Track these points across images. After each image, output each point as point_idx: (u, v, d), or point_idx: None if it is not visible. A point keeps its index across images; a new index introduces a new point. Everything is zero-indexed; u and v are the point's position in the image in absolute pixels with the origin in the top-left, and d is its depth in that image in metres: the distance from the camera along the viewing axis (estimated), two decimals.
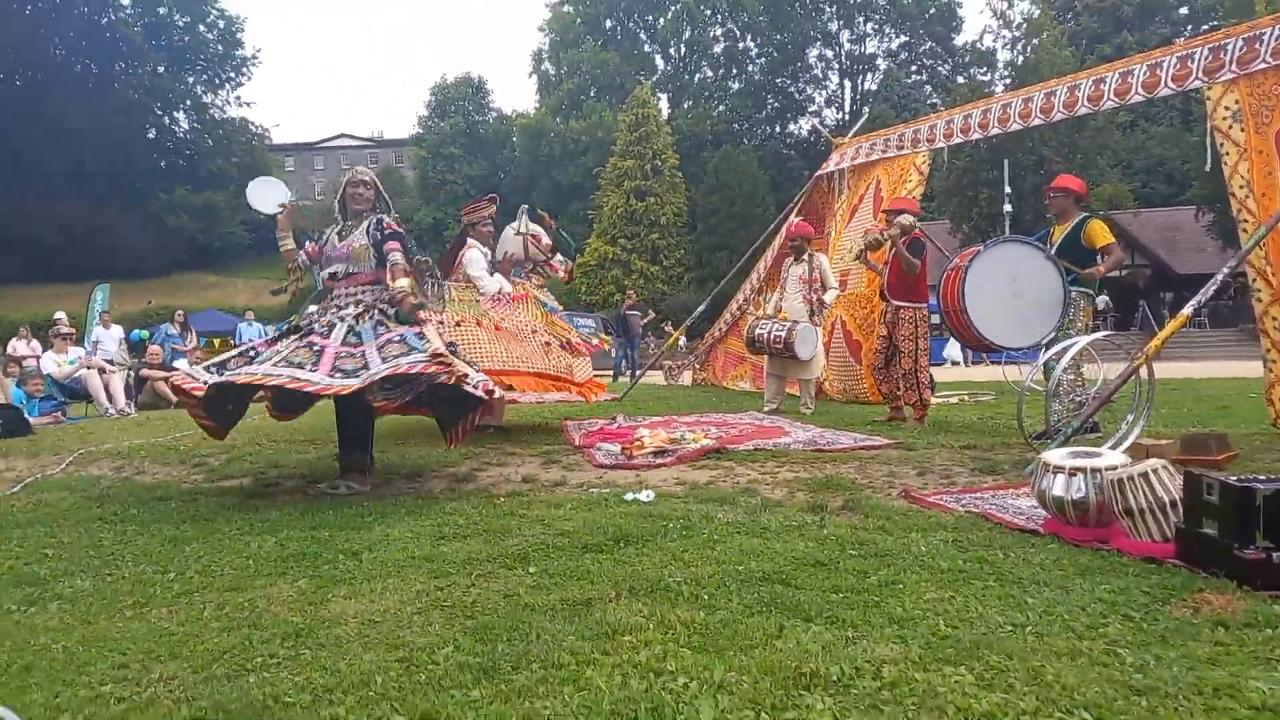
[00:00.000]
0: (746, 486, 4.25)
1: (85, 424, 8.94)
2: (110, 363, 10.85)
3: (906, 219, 6.87)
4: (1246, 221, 5.55)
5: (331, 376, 4.09)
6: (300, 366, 4.16)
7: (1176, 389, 9.72)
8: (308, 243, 4.81)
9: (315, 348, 4.29)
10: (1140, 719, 1.71)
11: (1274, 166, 5.43)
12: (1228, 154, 5.66)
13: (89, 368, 9.97)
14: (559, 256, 6.83)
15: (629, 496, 4.02)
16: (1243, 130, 5.55)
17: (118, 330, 13.62)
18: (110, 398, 9.87)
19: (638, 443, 5.31)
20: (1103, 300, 30.17)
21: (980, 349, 5.77)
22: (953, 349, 21.64)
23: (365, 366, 4.15)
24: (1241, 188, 5.58)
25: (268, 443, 6.26)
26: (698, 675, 1.96)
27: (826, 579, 2.67)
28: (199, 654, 2.19)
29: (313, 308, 4.73)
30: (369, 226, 4.66)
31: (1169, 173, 38.80)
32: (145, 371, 11.01)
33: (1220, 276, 4.76)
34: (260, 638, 2.29)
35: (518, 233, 6.73)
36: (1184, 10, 45.25)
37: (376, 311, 4.54)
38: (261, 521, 3.73)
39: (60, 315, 13.41)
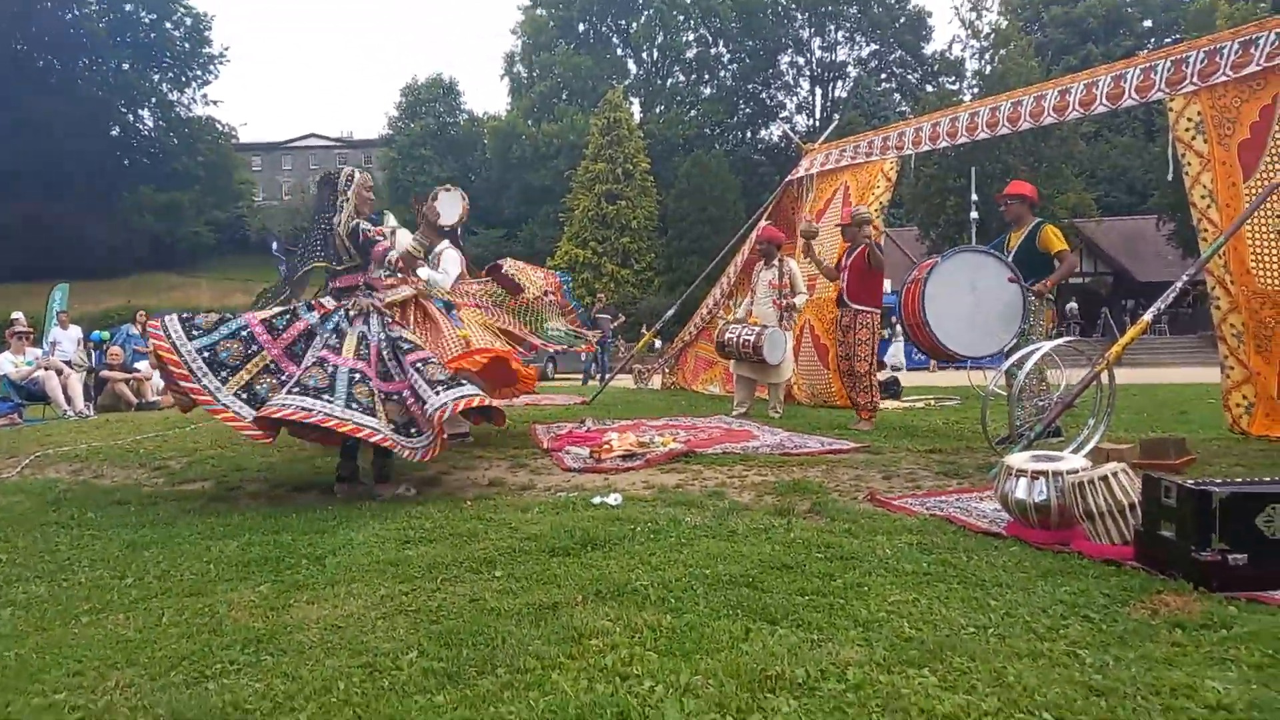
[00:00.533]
0: (714, 490, 4.26)
1: (42, 426, 8.75)
2: (68, 364, 10.61)
3: (865, 210, 6.99)
4: (1206, 231, 5.66)
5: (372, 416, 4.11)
6: (322, 394, 4.07)
7: (1137, 394, 9.89)
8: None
9: (328, 367, 4.20)
10: (1100, 719, 1.73)
11: (1237, 178, 5.54)
12: (1189, 165, 5.77)
13: (46, 369, 9.76)
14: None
15: (596, 500, 4.00)
16: (1205, 141, 5.66)
17: (76, 331, 13.29)
18: (69, 399, 9.68)
19: (606, 446, 5.30)
20: (1071, 307, 30.72)
21: (945, 360, 5.83)
22: (896, 353, 21.75)
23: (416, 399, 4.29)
24: (1203, 198, 5.69)
25: (230, 445, 6.17)
26: (664, 679, 1.96)
27: (793, 582, 2.68)
28: (157, 660, 2.15)
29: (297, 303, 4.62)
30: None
31: (1131, 182, 39.58)
32: (105, 373, 10.81)
33: (1179, 284, 4.86)
34: (220, 644, 2.25)
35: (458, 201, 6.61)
36: (1148, 23, 46.22)
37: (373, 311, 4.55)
38: (223, 525, 3.68)
39: (17, 315, 13.09)
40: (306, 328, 4.41)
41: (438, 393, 4.25)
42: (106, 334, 17.80)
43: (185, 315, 4.32)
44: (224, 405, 4.06)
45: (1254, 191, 5.39)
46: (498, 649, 2.16)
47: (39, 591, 2.77)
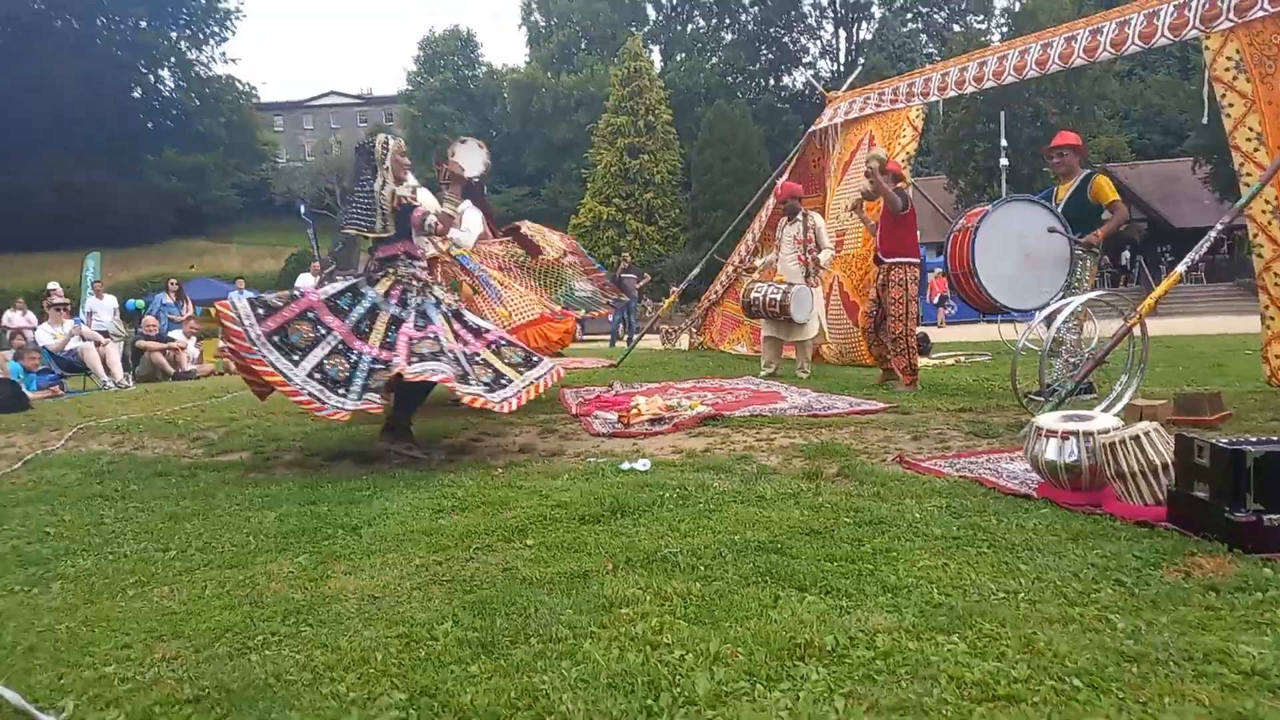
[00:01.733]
0: (742, 454, 4.27)
1: (83, 398, 8.93)
2: (105, 334, 10.79)
3: (880, 151, 6.80)
4: (1251, 176, 5.48)
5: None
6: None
7: (1170, 347, 9.73)
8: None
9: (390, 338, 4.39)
10: (1131, 686, 1.73)
11: None
12: (1232, 105, 5.58)
13: (82, 339, 9.93)
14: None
15: (625, 466, 4.04)
16: (1248, 81, 5.48)
17: (111, 300, 13.50)
18: (108, 370, 9.86)
19: (634, 410, 5.32)
20: (1125, 255, 30.05)
21: (989, 311, 5.69)
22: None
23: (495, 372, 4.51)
24: (1249, 140, 5.50)
25: (265, 415, 6.26)
26: (694, 647, 1.99)
27: (821, 548, 2.70)
28: (201, 633, 2.22)
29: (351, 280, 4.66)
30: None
31: (1166, 123, 38.46)
32: (142, 343, 10.97)
33: (1213, 233, 4.74)
34: (261, 615, 2.31)
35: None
36: None
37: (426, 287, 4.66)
38: (261, 497, 3.76)
39: (54, 286, 13.32)
40: (370, 306, 4.49)
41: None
42: (141, 303, 18.06)
43: (254, 297, 4.40)
44: (298, 387, 4.13)
45: None
46: (530, 618, 2.21)
47: (86, 565, 2.85)
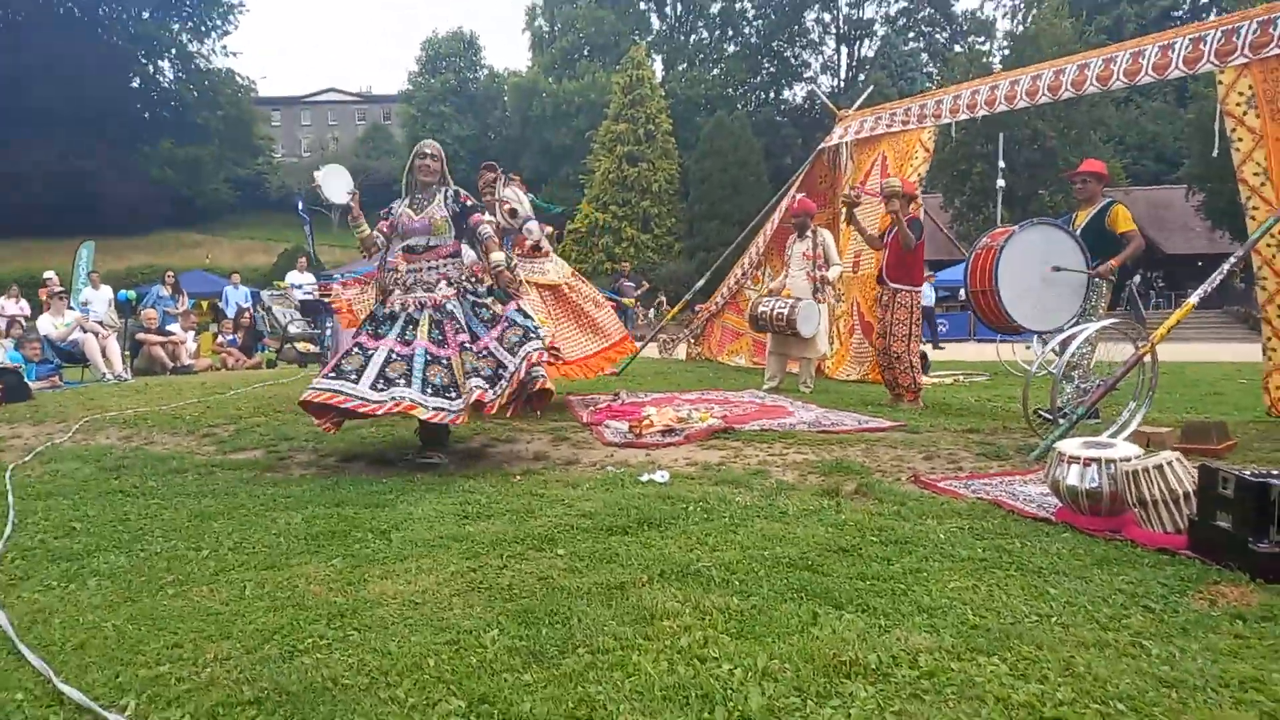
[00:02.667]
0: (757, 468, 4.31)
1: (84, 389, 8.90)
2: (101, 325, 10.75)
3: (895, 181, 6.88)
4: (1258, 209, 5.59)
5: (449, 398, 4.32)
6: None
7: (1166, 373, 9.82)
8: (380, 221, 4.78)
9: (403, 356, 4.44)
10: (1172, 711, 1.78)
11: None
12: (1240, 140, 5.69)
13: (85, 330, 9.89)
14: (527, 225, 6.60)
15: (644, 477, 4.07)
16: (1258, 117, 5.58)
17: (107, 291, 13.43)
18: (107, 362, 9.82)
19: (646, 421, 5.36)
20: (1135, 281, 30.28)
21: (1004, 331, 5.75)
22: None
23: (493, 368, 4.44)
24: (1256, 174, 5.62)
25: (274, 413, 6.27)
26: (741, 662, 2.03)
27: (852, 566, 2.74)
28: (249, 634, 2.24)
29: (398, 293, 4.69)
30: (445, 198, 4.70)
31: (1160, 150, 38.88)
32: (141, 335, 10.94)
33: (1229, 264, 4.83)
34: (306, 618, 2.34)
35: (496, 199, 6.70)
36: None
37: (467, 293, 4.68)
38: (284, 497, 3.77)
39: (51, 274, 13.29)
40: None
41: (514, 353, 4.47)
42: (133, 294, 17.97)
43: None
44: (373, 401, 4.23)
45: None
46: (574, 628, 2.24)
47: (120, 562, 2.87)
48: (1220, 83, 5.79)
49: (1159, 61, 6.11)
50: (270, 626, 2.29)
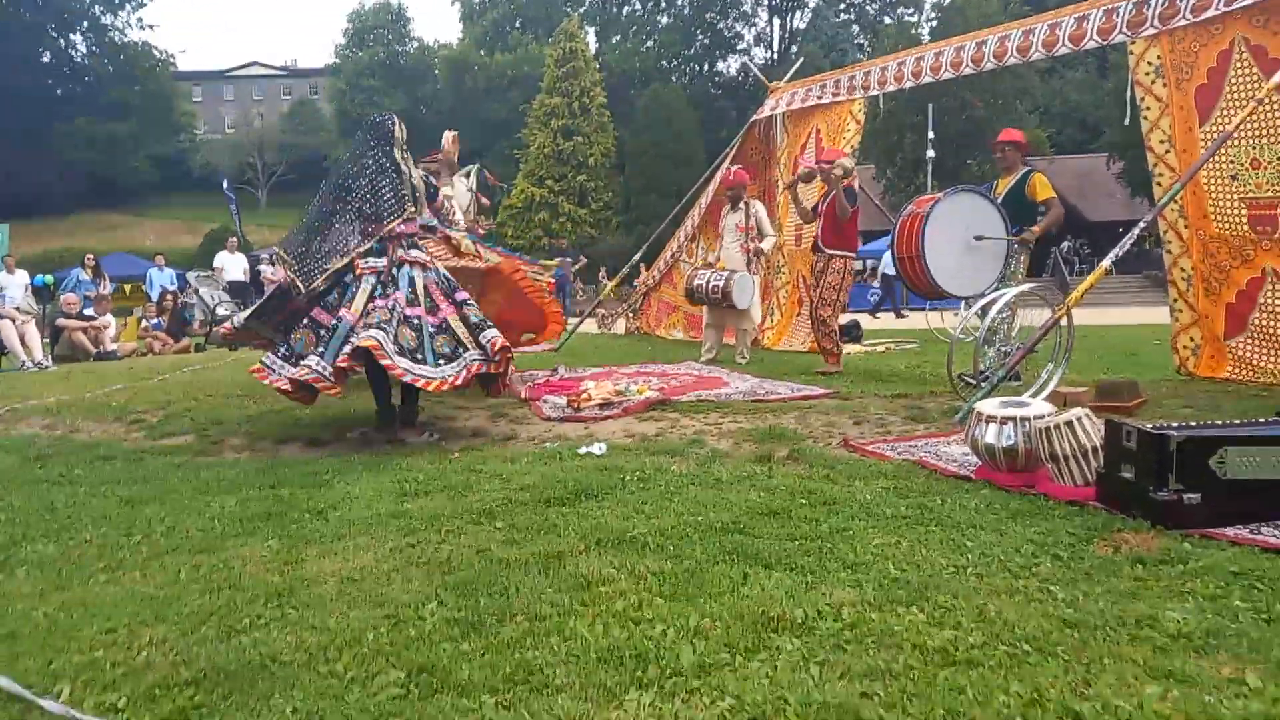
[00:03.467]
0: (694, 438, 4.40)
1: (3, 378, 8.59)
2: (18, 310, 10.34)
3: (847, 162, 7.05)
4: (1163, 176, 5.85)
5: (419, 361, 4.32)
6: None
7: (1086, 335, 10.20)
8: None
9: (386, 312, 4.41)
10: (1074, 649, 1.91)
11: (1193, 122, 5.71)
12: (1149, 109, 5.93)
13: (2, 316, 9.52)
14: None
15: (582, 450, 4.13)
16: (1165, 86, 5.82)
17: (23, 275, 12.92)
18: (27, 350, 9.48)
19: (584, 395, 5.41)
20: (1064, 246, 31.12)
21: (930, 296, 5.93)
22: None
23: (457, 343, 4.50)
24: (1161, 143, 5.86)
25: (204, 397, 6.15)
26: (674, 622, 2.10)
27: (781, 527, 2.84)
28: (185, 617, 2.24)
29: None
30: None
31: (1083, 119, 39.92)
32: (62, 321, 10.56)
33: (1137, 230, 5.04)
34: (243, 598, 2.34)
35: (469, 189, 6.68)
36: None
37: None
38: (217, 481, 3.74)
39: None
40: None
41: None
42: (50, 278, 17.30)
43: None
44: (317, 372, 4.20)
45: (1209, 136, 5.57)
46: (513, 598, 2.29)
47: (49, 551, 2.82)
48: (1131, 53, 6.00)
49: (1075, 32, 6.31)
50: (206, 608, 2.29)
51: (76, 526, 3.11)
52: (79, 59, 49.74)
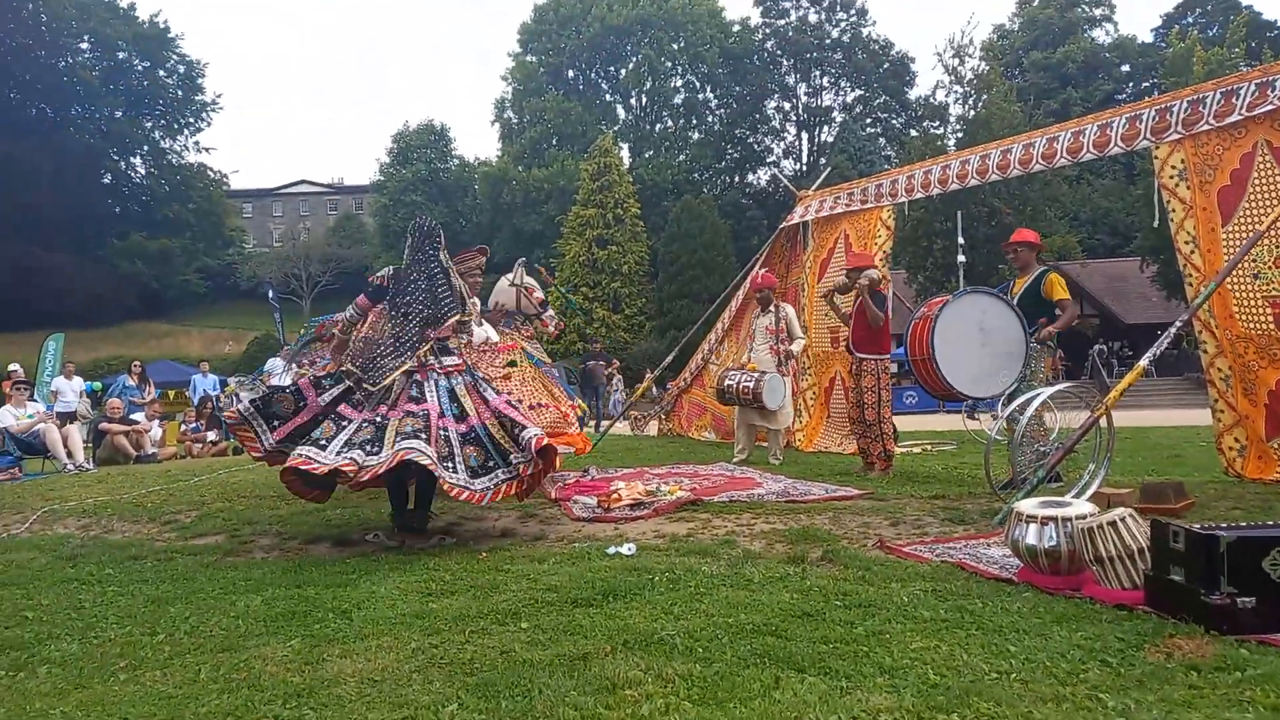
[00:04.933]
0: (725, 538, 4.31)
1: (43, 480, 8.72)
2: (72, 415, 10.59)
3: (874, 273, 7.13)
4: (1191, 276, 5.83)
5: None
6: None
7: (1129, 438, 9.99)
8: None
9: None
10: None
11: (1216, 222, 5.73)
12: (1174, 211, 5.96)
13: (46, 421, 9.74)
14: (549, 312, 6.94)
15: (611, 550, 4.06)
16: (1188, 188, 5.86)
17: (79, 382, 13.33)
18: (69, 453, 9.65)
19: (614, 495, 5.36)
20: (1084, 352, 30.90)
21: (945, 398, 5.87)
22: None
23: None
24: (1187, 243, 5.87)
25: (238, 499, 6.19)
26: None
27: (815, 630, 2.74)
28: (202, 716, 2.20)
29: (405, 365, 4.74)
30: None
31: (1114, 225, 40.17)
32: (105, 425, 10.79)
33: (1173, 330, 4.99)
34: (262, 699, 2.30)
35: (511, 284, 6.82)
36: (1125, 68, 47.36)
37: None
38: (244, 580, 3.72)
39: (15, 367, 13.11)
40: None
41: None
42: (99, 384, 17.80)
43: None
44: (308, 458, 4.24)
45: (1233, 236, 5.57)
46: (535, 699, 2.22)
47: (72, 649, 2.80)
48: (1156, 158, 6.08)
49: (1098, 139, 6.41)
50: (224, 708, 2.24)
51: (101, 625, 3.10)
52: (138, 180, 52.53)
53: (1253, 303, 5.60)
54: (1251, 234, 5.35)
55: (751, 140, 51.45)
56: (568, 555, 4.03)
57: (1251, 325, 5.61)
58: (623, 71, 51.69)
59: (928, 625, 2.76)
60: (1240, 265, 5.54)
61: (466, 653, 2.63)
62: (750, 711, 2.10)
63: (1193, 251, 5.88)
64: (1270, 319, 5.51)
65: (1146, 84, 42.84)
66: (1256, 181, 5.51)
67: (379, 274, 4.96)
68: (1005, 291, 6.13)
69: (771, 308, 8.10)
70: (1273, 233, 5.33)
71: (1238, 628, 2.54)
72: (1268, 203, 5.37)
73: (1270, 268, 5.42)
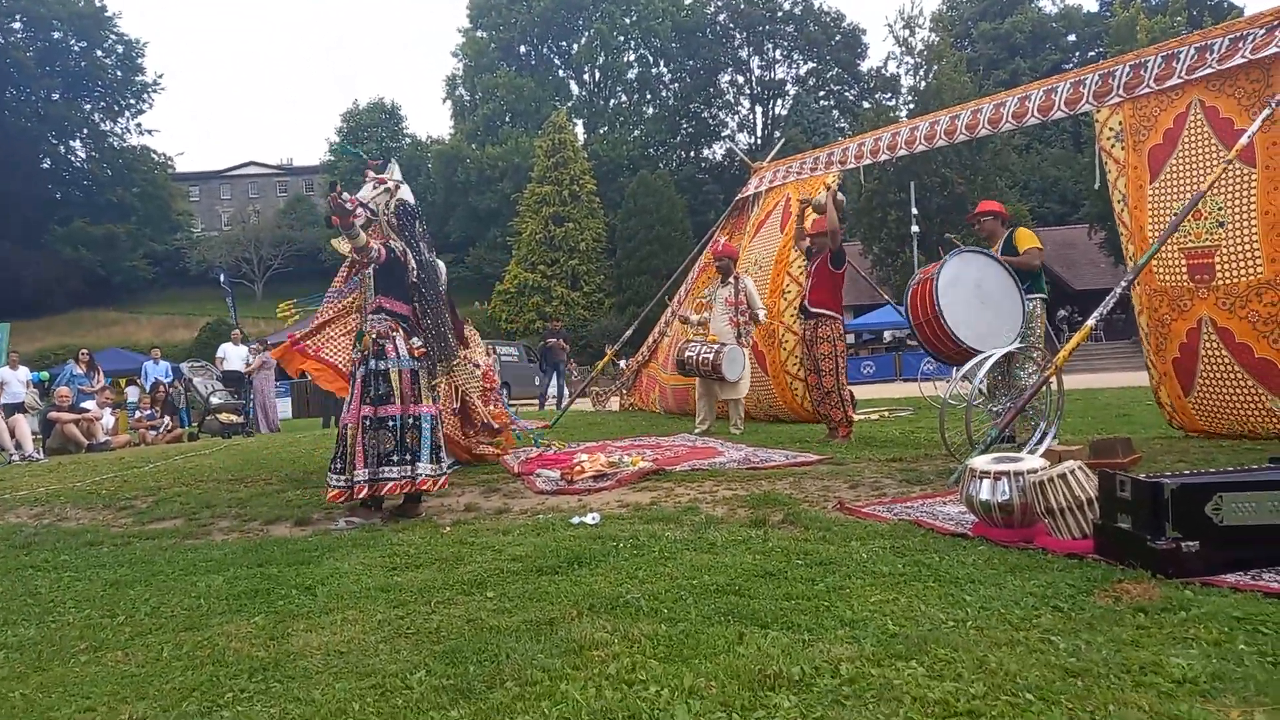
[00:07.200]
0: (688, 505, 4.36)
1: None
2: (20, 405, 10.32)
3: (819, 198, 7.23)
4: (1121, 232, 6.01)
5: None
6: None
7: (1079, 399, 10.27)
8: None
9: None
10: (1078, 697, 1.86)
11: (1144, 179, 5.86)
12: (1110, 172, 6.10)
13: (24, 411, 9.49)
14: None
15: (575, 520, 4.08)
16: (1124, 149, 5.99)
17: (25, 372, 12.92)
18: (17, 444, 9.41)
19: (577, 468, 5.37)
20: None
21: (954, 359, 5.72)
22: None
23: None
24: (1119, 202, 6.02)
25: (195, 483, 6.10)
26: (668, 683, 2.05)
27: (777, 588, 2.79)
28: (166, 693, 2.18)
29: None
30: None
31: (1063, 192, 40.93)
32: (54, 414, 10.53)
33: (1118, 291, 5.11)
34: (227, 674, 2.28)
35: None
36: (1072, 37, 48.06)
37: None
38: (205, 561, 3.68)
39: None
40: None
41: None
42: (46, 374, 17.33)
43: None
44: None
45: (1159, 192, 5.70)
46: (503, 664, 2.23)
47: (29, 634, 2.76)
48: (1096, 120, 6.19)
49: (1043, 104, 6.51)
50: (189, 684, 2.23)
51: (59, 610, 3.05)
52: (78, 164, 50.89)
53: (1169, 255, 5.69)
54: (1176, 189, 5.49)
55: (706, 115, 51.45)
56: (532, 527, 4.04)
57: (1168, 278, 5.74)
58: (575, 46, 51.27)
59: (886, 579, 2.83)
60: (1158, 219, 5.67)
61: (433, 622, 2.64)
62: (716, 666, 2.14)
63: (1123, 210, 6.02)
64: (1184, 270, 5.63)
65: (1092, 53, 43.48)
66: (1187, 140, 5.60)
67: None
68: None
69: (731, 279, 8.13)
70: (1188, 186, 5.45)
71: (1182, 571, 2.63)
72: (1195, 160, 5.49)
73: (1193, 220, 5.50)
